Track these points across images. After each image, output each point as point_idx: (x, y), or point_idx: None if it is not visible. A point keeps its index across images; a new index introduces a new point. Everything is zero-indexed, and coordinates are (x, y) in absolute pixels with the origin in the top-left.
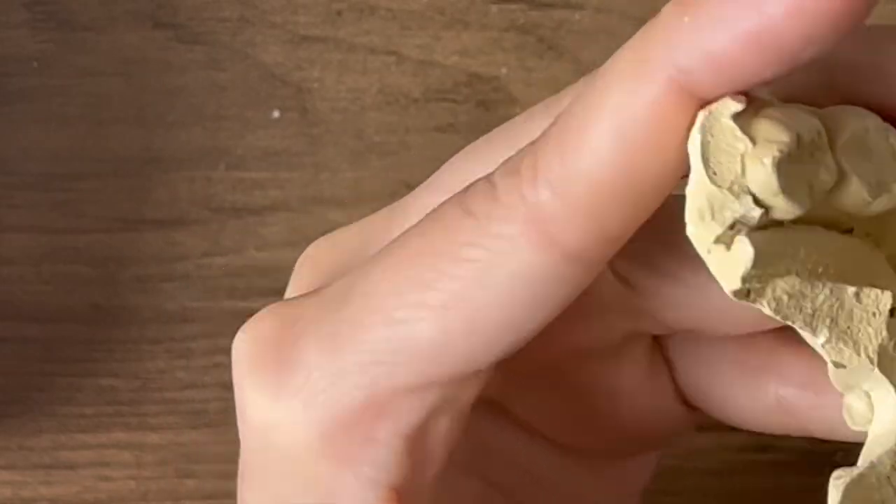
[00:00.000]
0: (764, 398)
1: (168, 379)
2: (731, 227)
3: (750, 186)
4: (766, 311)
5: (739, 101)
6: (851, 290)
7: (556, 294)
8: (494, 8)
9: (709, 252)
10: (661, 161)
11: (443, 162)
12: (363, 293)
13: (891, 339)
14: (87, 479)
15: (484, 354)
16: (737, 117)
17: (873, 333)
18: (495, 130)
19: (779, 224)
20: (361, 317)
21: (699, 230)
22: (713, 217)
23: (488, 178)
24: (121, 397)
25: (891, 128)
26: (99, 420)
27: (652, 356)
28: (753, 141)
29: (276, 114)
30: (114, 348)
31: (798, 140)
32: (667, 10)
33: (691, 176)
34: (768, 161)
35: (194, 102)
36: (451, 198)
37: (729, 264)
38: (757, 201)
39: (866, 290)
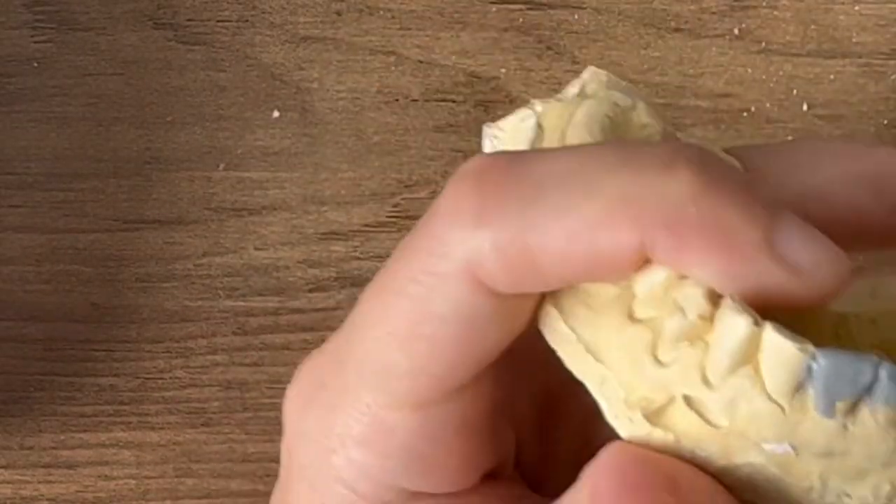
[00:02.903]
0: None
1: (168, 378)
2: None
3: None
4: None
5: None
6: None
7: (491, 330)
8: (493, 8)
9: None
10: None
11: (441, 162)
12: (351, 322)
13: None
14: (87, 478)
15: (449, 380)
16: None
17: None
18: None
19: None
20: (348, 347)
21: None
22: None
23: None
24: (121, 397)
25: None
26: (99, 419)
27: None
28: None
29: (275, 114)
30: (114, 348)
31: None
32: None
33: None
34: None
35: (194, 102)
36: (416, 228)
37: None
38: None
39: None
